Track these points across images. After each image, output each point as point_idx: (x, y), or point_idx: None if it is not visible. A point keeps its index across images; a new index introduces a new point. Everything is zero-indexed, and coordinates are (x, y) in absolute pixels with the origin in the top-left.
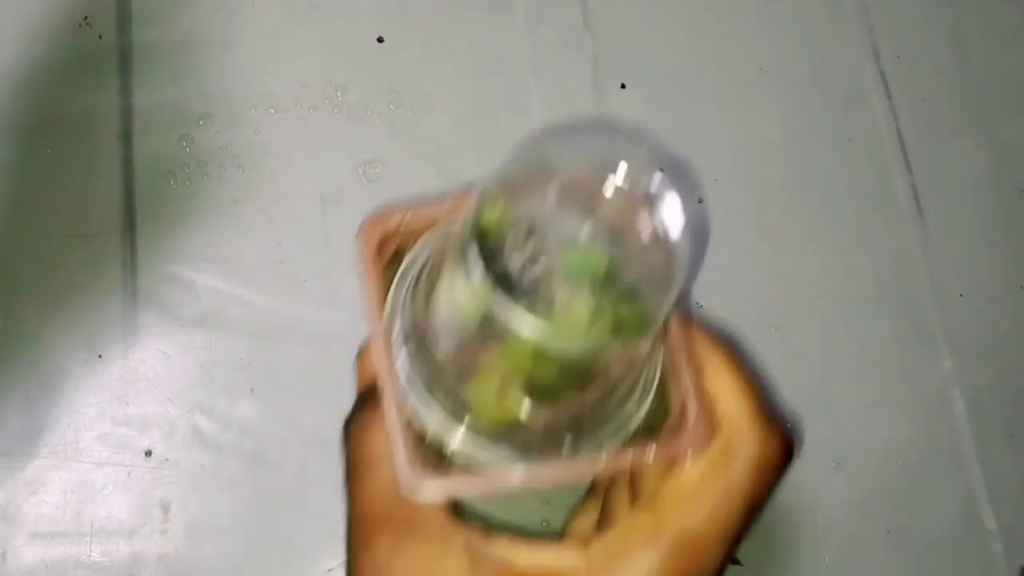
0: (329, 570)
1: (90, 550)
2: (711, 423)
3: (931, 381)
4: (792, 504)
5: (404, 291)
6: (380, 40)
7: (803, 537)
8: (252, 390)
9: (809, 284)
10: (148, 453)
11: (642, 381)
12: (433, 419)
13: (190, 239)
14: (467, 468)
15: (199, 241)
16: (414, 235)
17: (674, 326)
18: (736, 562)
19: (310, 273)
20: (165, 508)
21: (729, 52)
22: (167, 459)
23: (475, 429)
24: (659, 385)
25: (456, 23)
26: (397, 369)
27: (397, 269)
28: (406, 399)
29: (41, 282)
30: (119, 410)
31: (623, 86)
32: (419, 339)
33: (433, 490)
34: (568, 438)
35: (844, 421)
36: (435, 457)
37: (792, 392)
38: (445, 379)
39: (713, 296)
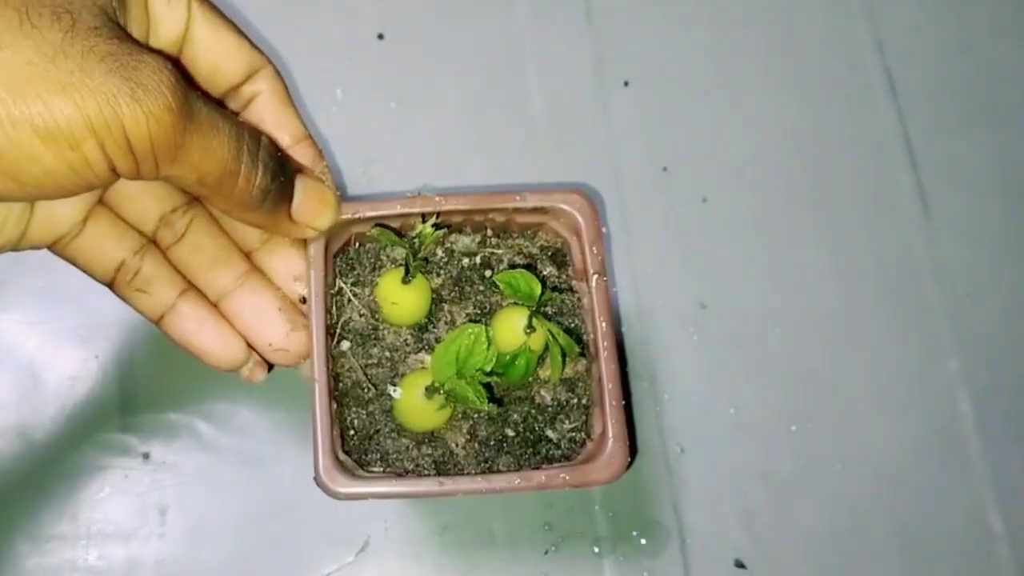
0: (328, 574)
1: (87, 554)
2: (626, 452)
3: (937, 382)
4: (796, 506)
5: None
6: (380, 37)
7: (807, 538)
8: (250, 392)
9: (813, 283)
10: (146, 456)
11: (568, 408)
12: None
13: None
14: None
15: None
16: (366, 231)
17: (604, 357)
18: (741, 566)
19: None
20: (163, 511)
21: (733, 49)
22: (165, 462)
23: (399, 433)
24: (584, 411)
25: (457, 19)
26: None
27: (347, 259)
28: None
29: (38, 282)
30: (117, 412)
31: (626, 84)
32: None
33: (350, 491)
34: (488, 453)
35: (849, 422)
36: (358, 452)
37: (797, 392)
38: (375, 381)
39: (716, 295)
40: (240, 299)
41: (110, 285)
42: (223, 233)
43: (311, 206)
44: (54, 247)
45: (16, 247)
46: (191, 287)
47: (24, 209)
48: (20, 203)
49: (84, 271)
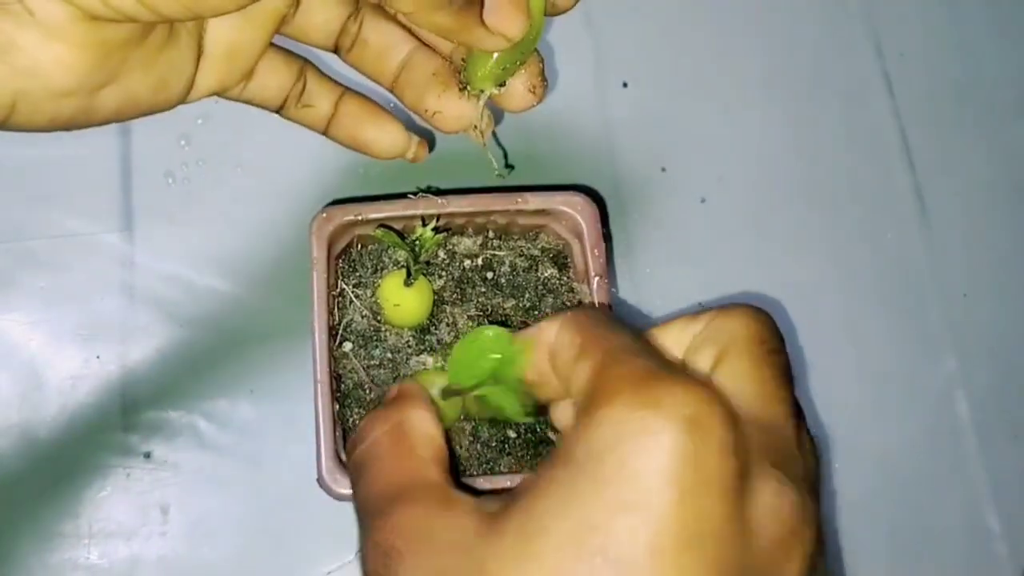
0: (329, 572)
1: (88, 552)
2: None
3: (934, 381)
4: None
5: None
6: None
7: None
8: (251, 391)
9: (811, 283)
10: (147, 455)
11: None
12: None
13: (189, 239)
14: None
15: (198, 241)
16: (368, 233)
17: None
18: None
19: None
20: (164, 510)
21: (731, 50)
22: (166, 461)
23: None
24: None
25: None
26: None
27: (349, 261)
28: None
29: (38, 282)
30: (117, 412)
31: (624, 85)
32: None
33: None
34: (490, 455)
35: (847, 422)
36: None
37: (796, 393)
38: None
39: (715, 295)
40: (404, 76)
41: (279, 110)
42: (391, 21)
43: (505, 9)
44: (223, 96)
45: (184, 99)
46: (347, 91)
47: (191, 57)
48: (188, 55)
49: (256, 106)
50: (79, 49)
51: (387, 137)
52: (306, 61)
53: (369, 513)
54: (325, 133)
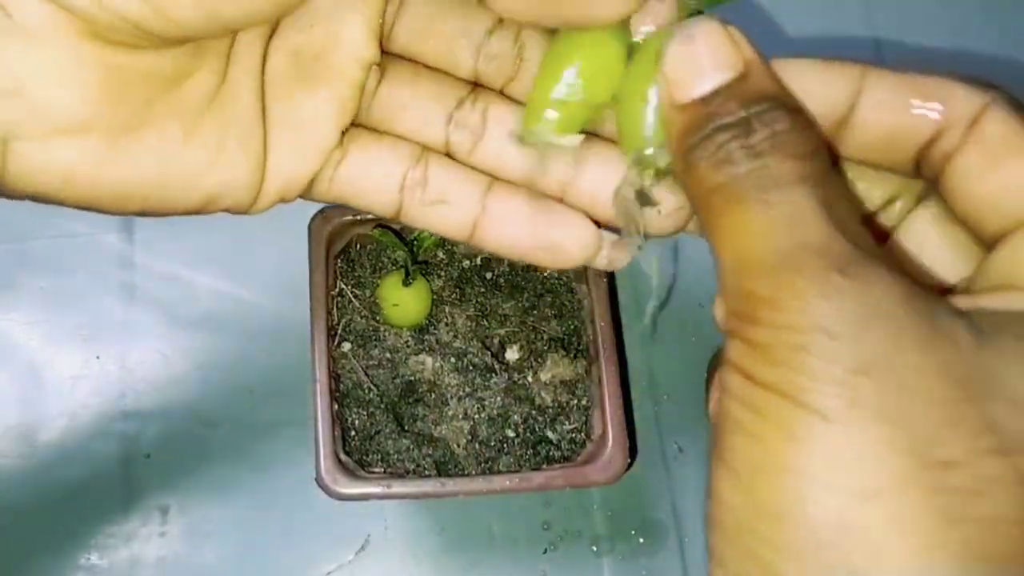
0: (329, 572)
1: (88, 553)
2: (626, 454)
3: None
4: None
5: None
6: None
7: None
8: (251, 391)
9: None
10: (147, 456)
11: (568, 409)
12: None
13: (189, 239)
14: (384, 474)
15: (198, 241)
16: (366, 232)
17: (604, 358)
18: None
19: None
20: (164, 511)
21: None
22: (166, 462)
23: (400, 434)
24: (584, 412)
25: None
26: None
27: (348, 261)
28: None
29: (38, 282)
30: (117, 412)
31: None
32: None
33: (352, 491)
34: (489, 454)
35: None
36: (359, 452)
37: None
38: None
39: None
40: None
41: (397, 214)
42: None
43: None
44: (314, 192)
45: (259, 194)
46: (496, 180)
47: (258, 123)
48: (254, 120)
49: (360, 206)
50: (80, 69)
51: (571, 240)
52: (426, 148)
53: None
54: (471, 240)
